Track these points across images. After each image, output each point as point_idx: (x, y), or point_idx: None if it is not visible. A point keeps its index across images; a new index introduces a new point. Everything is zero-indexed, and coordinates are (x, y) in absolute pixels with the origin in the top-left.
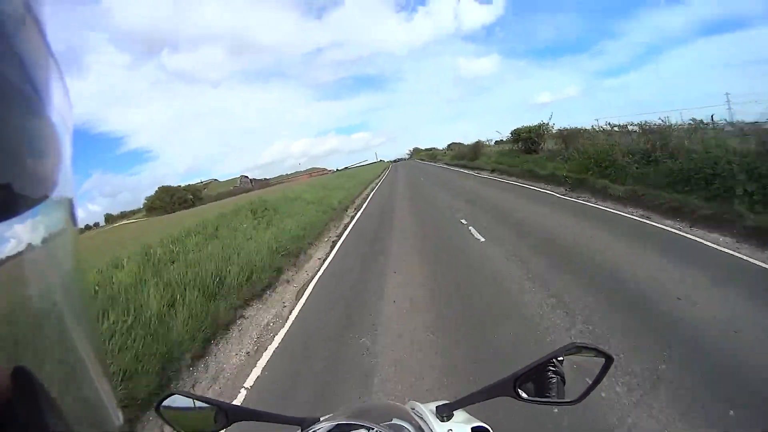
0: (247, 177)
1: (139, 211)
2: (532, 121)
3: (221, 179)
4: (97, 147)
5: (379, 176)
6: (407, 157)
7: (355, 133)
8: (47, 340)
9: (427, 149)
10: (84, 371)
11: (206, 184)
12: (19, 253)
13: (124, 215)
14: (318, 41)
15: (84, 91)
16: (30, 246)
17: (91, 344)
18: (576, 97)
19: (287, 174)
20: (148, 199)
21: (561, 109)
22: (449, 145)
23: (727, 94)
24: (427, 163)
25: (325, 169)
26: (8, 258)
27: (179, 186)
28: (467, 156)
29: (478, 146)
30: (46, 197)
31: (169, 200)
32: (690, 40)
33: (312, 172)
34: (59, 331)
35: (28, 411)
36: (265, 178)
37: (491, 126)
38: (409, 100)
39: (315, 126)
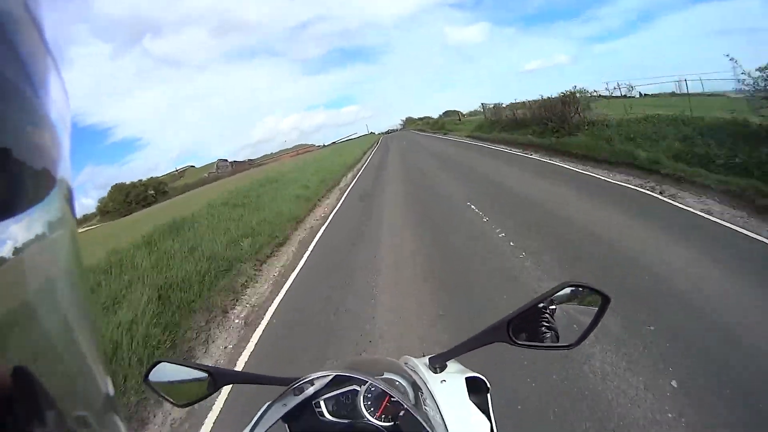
0: (225, 161)
1: (94, 215)
2: (522, 88)
3: (212, 161)
4: (87, 139)
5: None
6: (399, 128)
7: (344, 106)
8: (47, 339)
9: (420, 118)
10: (85, 371)
11: (182, 172)
12: (19, 251)
13: (79, 222)
14: (303, 15)
15: (70, 85)
16: (30, 244)
17: (92, 343)
18: (566, 64)
19: (273, 153)
20: (101, 200)
21: (551, 76)
22: (445, 113)
23: (732, 59)
24: (430, 139)
25: (312, 146)
26: (8, 256)
27: (139, 181)
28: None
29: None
30: (46, 195)
31: (124, 200)
32: (682, 7)
33: (299, 150)
34: (60, 330)
35: (28, 411)
36: (249, 160)
37: (483, 93)
38: (399, 71)
39: (304, 101)
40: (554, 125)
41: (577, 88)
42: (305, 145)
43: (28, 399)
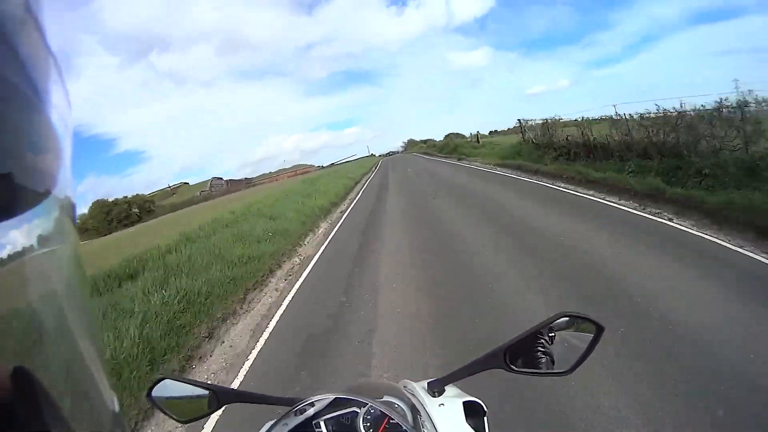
0: (220, 179)
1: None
2: (526, 111)
3: (214, 176)
4: (91, 149)
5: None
6: (401, 150)
7: (347, 128)
8: (47, 339)
9: (423, 141)
10: (84, 371)
11: (175, 189)
12: (20, 253)
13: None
14: (309, 37)
15: (76, 94)
16: (30, 245)
17: (92, 344)
18: (569, 88)
19: (272, 172)
20: (80, 218)
21: (554, 100)
22: (447, 136)
23: (736, 80)
24: (443, 166)
25: (311, 166)
26: (9, 257)
27: (124, 198)
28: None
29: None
30: (47, 195)
31: (104, 218)
32: (682, 28)
33: (297, 170)
34: (59, 330)
35: (28, 411)
36: (246, 178)
37: (485, 117)
38: (401, 94)
39: (307, 122)
40: (698, 165)
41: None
42: (304, 165)
43: (28, 399)
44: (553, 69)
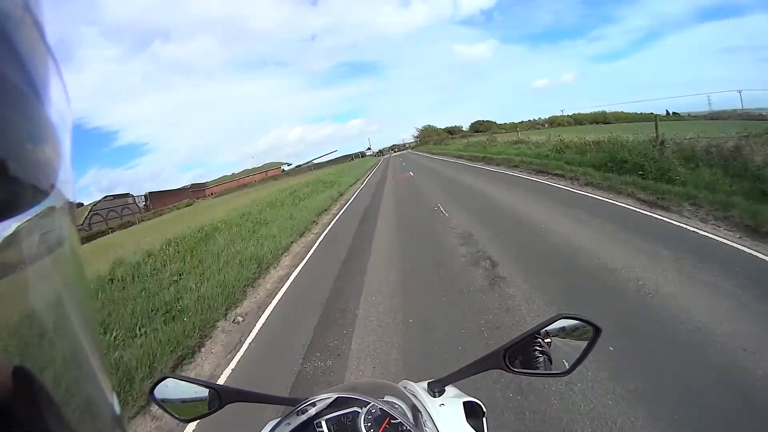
0: (127, 197)
1: None
2: (531, 106)
3: (219, 166)
4: (93, 142)
5: None
6: (413, 143)
7: (351, 120)
8: (47, 339)
9: (446, 129)
10: (84, 371)
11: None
12: (20, 252)
13: None
14: (313, 28)
15: (77, 86)
16: (31, 245)
17: (92, 343)
18: (573, 82)
19: (235, 173)
20: None
21: (559, 95)
22: (476, 123)
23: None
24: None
25: (280, 167)
26: (9, 257)
27: None
28: None
29: None
30: (47, 195)
31: None
32: (687, 26)
33: (267, 170)
34: (60, 330)
35: (28, 411)
36: (191, 185)
37: (491, 110)
38: (406, 86)
39: (311, 113)
40: None
41: None
42: (276, 163)
43: (28, 399)
44: (559, 63)
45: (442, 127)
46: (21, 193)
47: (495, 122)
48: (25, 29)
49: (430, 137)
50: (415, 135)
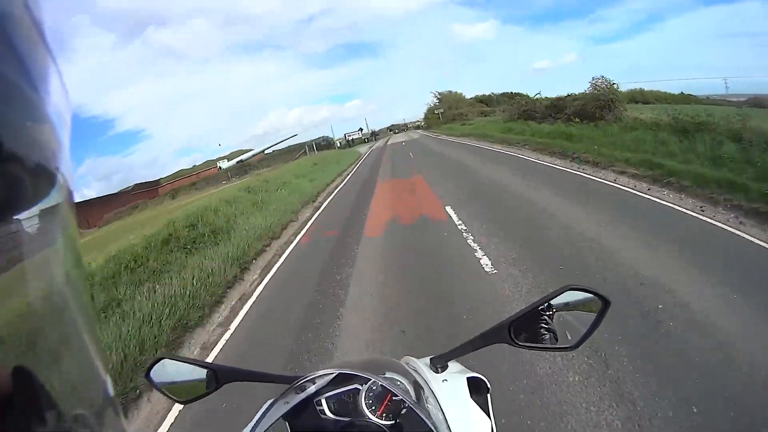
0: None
1: None
2: (531, 87)
3: (215, 153)
4: (90, 129)
5: None
6: (420, 125)
7: (349, 101)
8: (47, 339)
9: (480, 98)
10: (85, 371)
11: None
12: (20, 250)
13: None
14: (310, 8)
15: (72, 75)
16: (30, 243)
17: (92, 343)
18: (574, 64)
19: (165, 176)
20: None
21: (559, 75)
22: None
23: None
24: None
25: (216, 165)
26: (8, 255)
27: None
28: None
29: None
30: (47, 192)
31: None
32: (690, 8)
33: (200, 171)
34: (60, 329)
35: (28, 411)
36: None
37: (491, 89)
38: (405, 67)
39: (309, 95)
40: None
41: None
42: (210, 162)
43: (28, 399)
44: (560, 44)
45: (474, 96)
46: (23, 191)
47: (524, 94)
48: (23, 25)
49: (450, 111)
50: (435, 103)
